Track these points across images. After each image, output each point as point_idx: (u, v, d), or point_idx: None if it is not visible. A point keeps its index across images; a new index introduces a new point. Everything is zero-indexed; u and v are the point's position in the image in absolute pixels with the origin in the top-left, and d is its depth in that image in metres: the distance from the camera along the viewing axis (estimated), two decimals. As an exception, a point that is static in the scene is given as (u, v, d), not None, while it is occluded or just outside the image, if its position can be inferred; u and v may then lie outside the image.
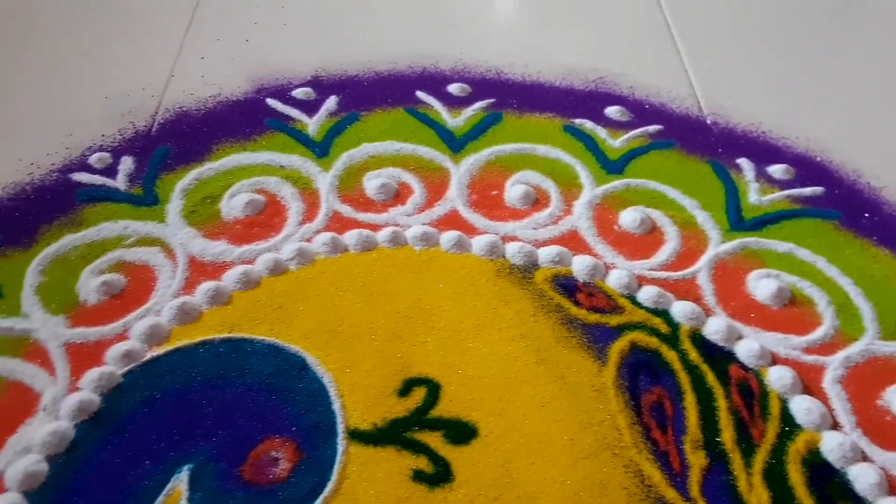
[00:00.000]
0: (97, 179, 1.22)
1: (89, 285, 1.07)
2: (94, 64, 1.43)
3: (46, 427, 0.92)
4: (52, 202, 1.18)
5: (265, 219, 1.17)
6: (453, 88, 1.41)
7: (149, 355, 1.00)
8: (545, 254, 1.12)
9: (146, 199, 1.19)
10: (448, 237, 1.14)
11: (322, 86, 1.41)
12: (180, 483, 0.88)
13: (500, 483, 0.88)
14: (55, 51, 1.46)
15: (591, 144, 1.30)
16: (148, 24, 1.52)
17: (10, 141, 1.27)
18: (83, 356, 1.00)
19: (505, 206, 1.20)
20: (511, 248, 1.13)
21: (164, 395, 0.96)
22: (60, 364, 0.98)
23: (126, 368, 0.98)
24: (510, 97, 1.40)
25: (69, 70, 1.41)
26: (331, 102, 1.37)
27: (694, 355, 1.01)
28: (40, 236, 1.13)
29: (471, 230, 1.16)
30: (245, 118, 1.34)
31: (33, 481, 0.88)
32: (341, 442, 0.92)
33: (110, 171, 1.23)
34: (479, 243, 1.14)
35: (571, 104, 1.39)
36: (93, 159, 1.25)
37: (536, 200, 1.21)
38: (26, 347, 1.00)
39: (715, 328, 1.03)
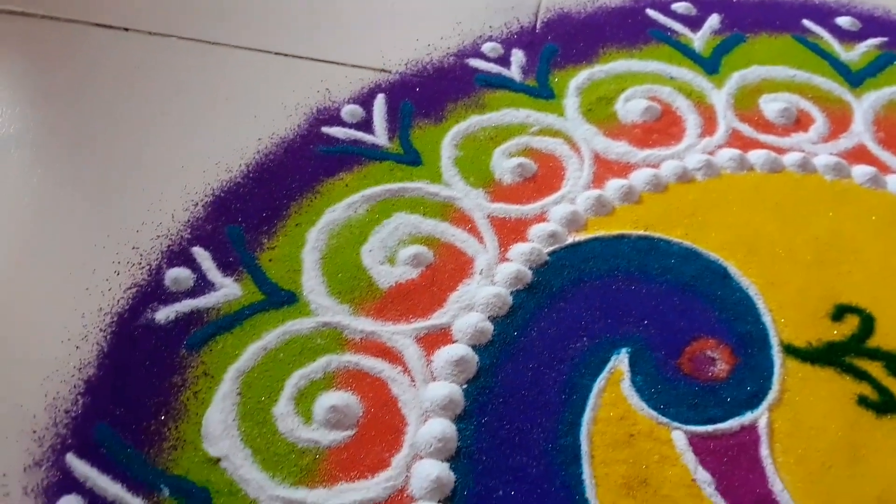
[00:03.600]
0: (493, 67, 1.24)
1: (503, 165, 1.09)
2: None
3: (488, 289, 0.95)
4: (453, 83, 1.21)
5: (663, 126, 1.16)
6: (842, 21, 1.33)
7: (570, 239, 1.02)
8: (974, 203, 1.05)
9: (542, 92, 1.20)
10: (862, 171, 1.09)
11: (701, 2, 1.37)
12: (621, 363, 0.90)
13: (956, 426, 0.84)
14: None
15: None
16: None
17: (405, 23, 1.31)
18: (507, 230, 1.03)
19: (918, 148, 1.13)
20: (933, 193, 1.06)
21: (591, 279, 0.98)
22: (488, 234, 1.02)
23: (550, 248, 1.00)
24: (905, 38, 1.30)
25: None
26: (714, 20, 1.33)
27: None
28: (448, 113, 1.17)
29: (882, 167, 1.10)
30: (627, 26, 1.32)
31: (481, 338, 0.92)
32: (777, 354, 0.90)
33: (503, 60, 1.25)
34: (896, 182, 1.07)
35: (978, 53, 1.27)
36: (486, 48, 1.27)
37: (953, 148, 1.12)
38: (452, 213, 1.04)
39: None
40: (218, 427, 0.83)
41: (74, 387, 0.87)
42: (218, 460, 0.81)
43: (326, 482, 0.80)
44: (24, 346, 0.89)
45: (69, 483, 0.80)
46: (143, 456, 0.81)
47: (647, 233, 1.02)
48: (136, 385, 0.87)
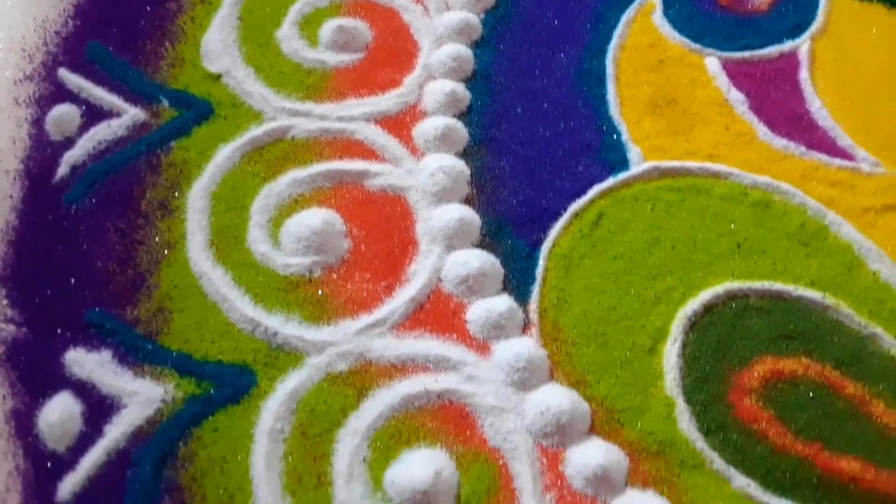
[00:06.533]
0: None
1: None
2: None
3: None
4: None
5: None
6: None
7: None
8: None
9: None
10: None
11: None
12: (654, -3, 0.82)
13: None
14: None
15: None
16: None
17: None
18: None
19: None
20: None
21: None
22: None
23: None
24: None
25: None
26: None
27: None
28: None
29: None
30: None
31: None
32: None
33: None
34: None
35: None
36: None
37: None
38: None
39: None
40: (218, 46, 0.78)
41: (64, 10, 0.81)
42: (219, 76, 0.76)
43: (334, 98, 0.76)
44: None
45: (62, 94, 0.75)
46: (140, 71, 0.76)
47: None
48: (128, 9, 0.81)
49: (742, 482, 0.57)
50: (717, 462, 0.58)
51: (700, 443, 0.58)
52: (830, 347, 0.62)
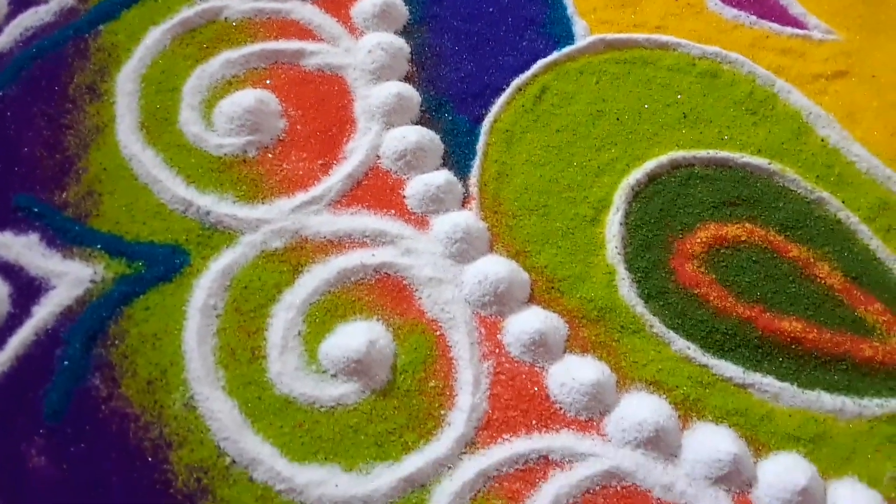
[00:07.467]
0: None
1: None
2: None
3: None
4: None
5: None
6: None
7: None
8: None
9: None
10: None
11: None
12: None
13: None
14: None
15: None
16: None
17: None
18: None
19: None
20: None
21: None
22: None
23: None
24: None
25: None
26: None
27: None
28: None
29: None
30: None
31: None
32: None
33: None
34: None
35: None
36: None
37: None
38: None
39: None
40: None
41: None
42: (148, -41, 0.73)
43: (269, -22, 0.72)
44: None
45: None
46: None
47: None
48: None
49: (682, 345, 0.56)
50: (658, 326, 0.57)
51: (640, 308, 0.57)
52: (775, 213, 0.61)
